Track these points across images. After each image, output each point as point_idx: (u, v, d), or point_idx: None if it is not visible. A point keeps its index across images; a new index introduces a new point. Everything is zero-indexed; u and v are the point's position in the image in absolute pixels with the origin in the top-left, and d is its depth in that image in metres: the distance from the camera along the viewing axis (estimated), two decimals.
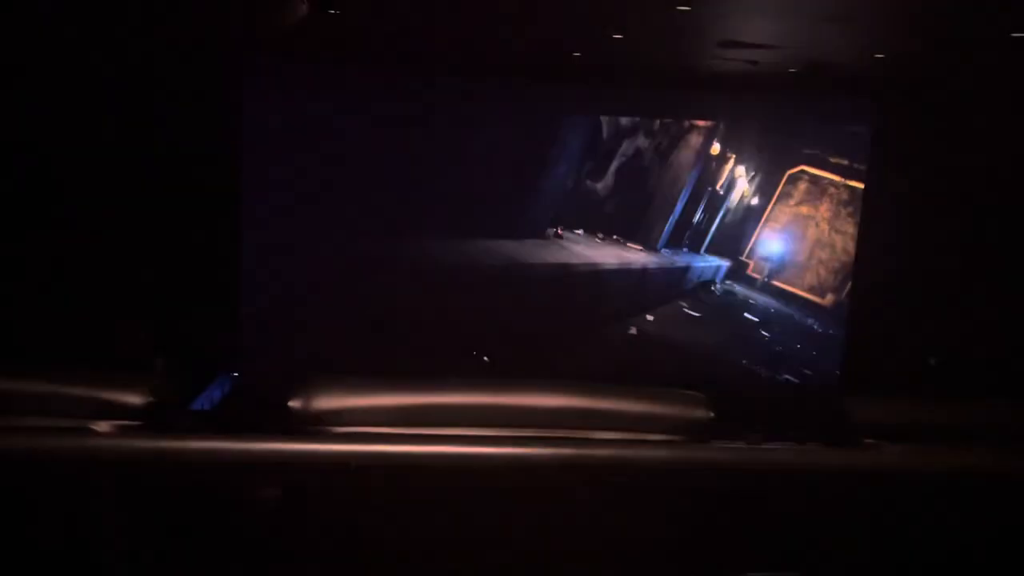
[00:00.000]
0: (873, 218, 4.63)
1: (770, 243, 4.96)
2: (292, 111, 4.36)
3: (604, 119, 4.81)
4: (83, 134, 4.03)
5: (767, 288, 4.96)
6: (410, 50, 4.11)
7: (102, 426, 1.33)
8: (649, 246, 4.98)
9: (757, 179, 4.89)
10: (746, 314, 4.97)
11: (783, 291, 4.95)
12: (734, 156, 4.86)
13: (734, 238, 4.96)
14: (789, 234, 4.93)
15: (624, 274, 4.93)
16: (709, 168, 4.88)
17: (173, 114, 4.02)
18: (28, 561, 1.29)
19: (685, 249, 5.01)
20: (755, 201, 4.92)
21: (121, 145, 4.05)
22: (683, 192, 4.92)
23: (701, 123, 4.85)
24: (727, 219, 4.94)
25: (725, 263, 5.01)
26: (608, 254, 4.89)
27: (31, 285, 3.96)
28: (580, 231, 4.88)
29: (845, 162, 4.79)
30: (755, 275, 4.97)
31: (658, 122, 4.86)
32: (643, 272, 4.99)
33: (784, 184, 4.89)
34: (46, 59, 3.87)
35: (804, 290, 4.93)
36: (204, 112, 4.09)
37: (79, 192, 4.06)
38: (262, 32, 3.74)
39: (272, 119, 4.34)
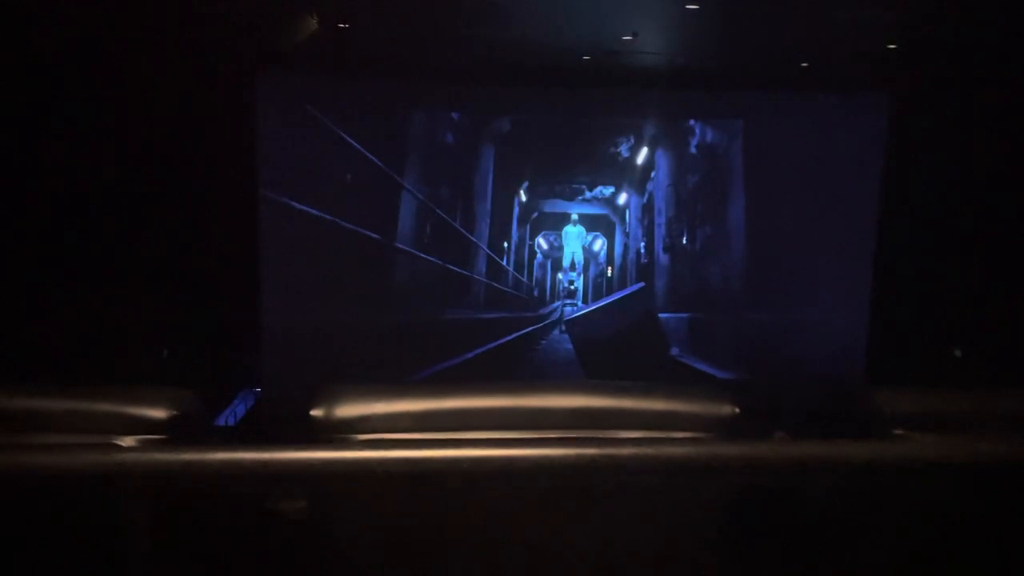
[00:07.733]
0: (892, 210, 4.58)
1: None
2: (307, 126, 4.37)
3: None
4: (100, 156, 4.07)
5: None
6: (419, 60, 4.13)
7: (127, 441, 1.34)
8: None
9: None
10: None
11: None
12: None
13: None
14: None
15: None
16: None
17: (188, 132, 4.06)
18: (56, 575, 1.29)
19: None
20: None
21: (139, 164, 4.09)
22: None
23: None
24: None
25: None
26: None
27: (54, 306, 3.99)
28: None
29: None
30: None
31: None
32: None
33: None
34: (67, 82, 3.91)
35: None
36: (219, 129, 4.12)
37: (100, 212, 4.10)
38: (274, 48, 3.77)
39: (287, 134, 4.36)
